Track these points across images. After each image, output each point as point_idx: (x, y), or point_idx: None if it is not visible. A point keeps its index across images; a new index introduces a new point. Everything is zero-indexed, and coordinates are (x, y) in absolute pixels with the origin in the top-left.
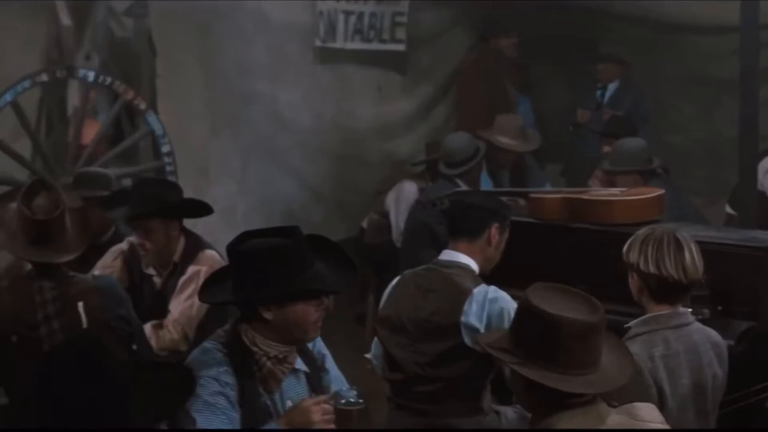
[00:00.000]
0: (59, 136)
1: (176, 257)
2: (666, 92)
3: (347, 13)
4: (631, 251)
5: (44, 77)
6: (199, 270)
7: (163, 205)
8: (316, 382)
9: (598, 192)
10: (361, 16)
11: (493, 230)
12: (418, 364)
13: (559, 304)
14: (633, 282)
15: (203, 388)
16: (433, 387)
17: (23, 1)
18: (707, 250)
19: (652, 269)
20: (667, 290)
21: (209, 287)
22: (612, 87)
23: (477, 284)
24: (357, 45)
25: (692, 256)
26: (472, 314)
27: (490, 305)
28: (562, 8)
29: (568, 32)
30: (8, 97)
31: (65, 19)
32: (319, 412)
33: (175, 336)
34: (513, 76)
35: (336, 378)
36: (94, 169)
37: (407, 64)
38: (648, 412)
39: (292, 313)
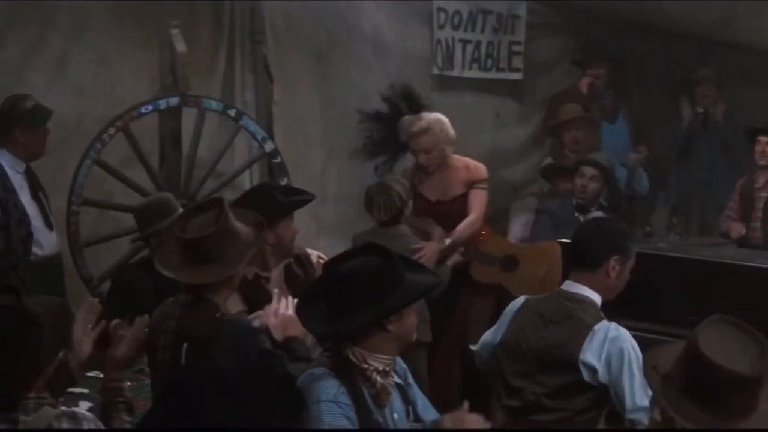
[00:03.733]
0: (173, 163)
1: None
2: None
3: (465, 42)
4: None
5: (173, 102)
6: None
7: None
8: (405, 395)
9: None
10: (478, 45)
11: (612, 262)
12: (536, 394)
13: (726, 346)
14: None
15: (325, 414)
16: (550, 418)
17: (138, 28)
18: None
19: None
20: None
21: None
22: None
23: (598, 320)
24: (474, 74)
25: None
26: (591, 352)
27: (610, 344)
28: (674, 37)
29: (677, 61)
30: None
31: (181, 47)
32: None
33: None
34: (599, 103)
35: (418, 393)
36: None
37: (524, 93)
38: None
39: (408, 318)
